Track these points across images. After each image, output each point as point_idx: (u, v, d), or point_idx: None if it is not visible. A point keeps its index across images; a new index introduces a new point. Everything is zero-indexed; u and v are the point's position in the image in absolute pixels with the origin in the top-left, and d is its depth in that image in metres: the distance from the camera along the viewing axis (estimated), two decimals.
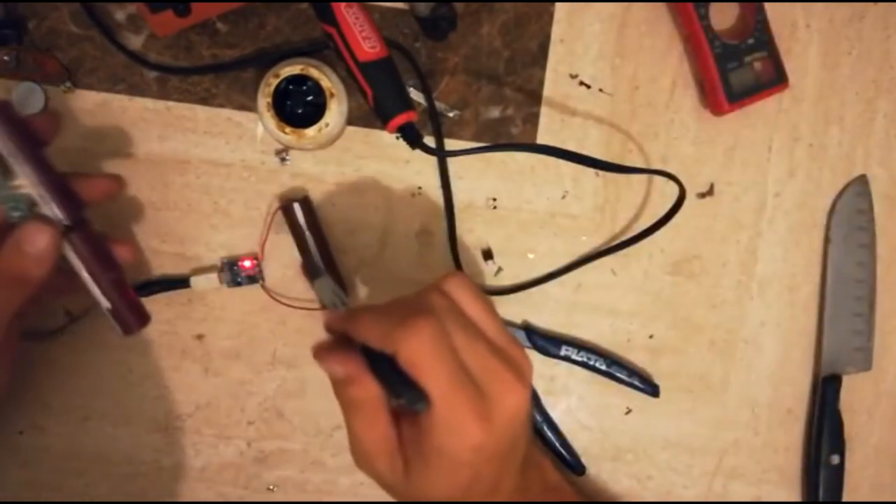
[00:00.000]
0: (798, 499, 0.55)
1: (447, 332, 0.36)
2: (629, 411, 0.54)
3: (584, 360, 0.52)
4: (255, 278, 0.50)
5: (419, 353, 0.35)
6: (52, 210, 0.41)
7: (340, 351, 0.39)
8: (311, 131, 0.47)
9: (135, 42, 0.50)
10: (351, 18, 0.43)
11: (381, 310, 0.38)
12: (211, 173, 0.51)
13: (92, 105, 0.50)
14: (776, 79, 0.51)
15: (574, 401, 0.54)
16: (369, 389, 0.38)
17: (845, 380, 0.54)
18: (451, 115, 0.51)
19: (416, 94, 0.51)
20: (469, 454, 0.36)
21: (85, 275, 0.42)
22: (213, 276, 0.50)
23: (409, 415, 0.38)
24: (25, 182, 0.40)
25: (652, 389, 0.53)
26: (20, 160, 0.40)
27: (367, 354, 0.38)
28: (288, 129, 0.46)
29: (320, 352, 0.39)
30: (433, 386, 0.35)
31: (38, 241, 0.41)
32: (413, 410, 0.37)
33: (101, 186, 0.45)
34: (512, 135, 0.52)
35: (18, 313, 0.42)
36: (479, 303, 0.39)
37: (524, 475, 0.42)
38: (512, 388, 0.37)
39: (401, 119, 0.44)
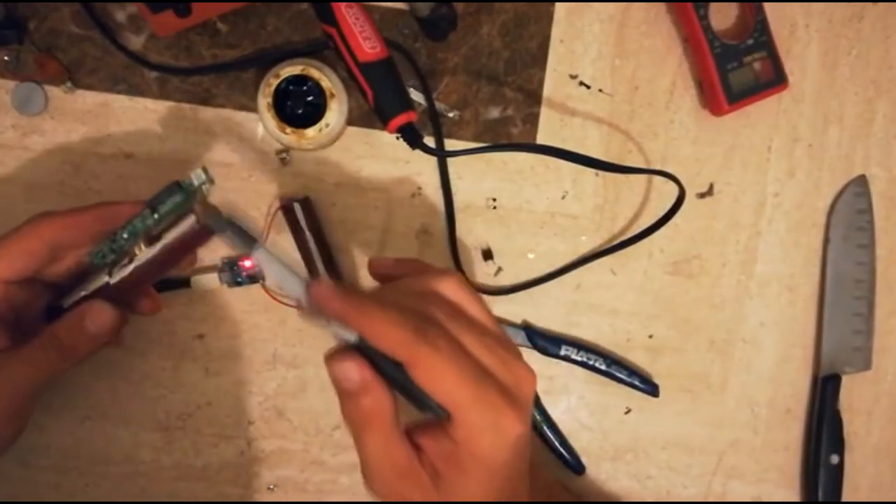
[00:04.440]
0: (797, 498, 0.55)
1: (452, 333, 0.35)
2: (629, 411, 0.54)
3: (584, 359, 0.52)
4: (255, 278, 0.51)
5: (440, 367, 0.34)
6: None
7: (354, 355, 0.36)
8: (311, 131, 0.47)
9: (135, 42, 0.50)
10: (351, 19, 0.43)
11: (394, 313, 0.35)
12: (211, 174, 0.51)
13: (92, 105, 0.50)
14: (775, 79, 0.51)
15: (574, 400, 0.54)
16: (385, 400, 0.35)
17: (845, 379, 0.54)
18: (451, 115, 0.51)
19: (416, 95, 0.51)
20: (510, 451, 0.35)
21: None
22: (214, 275, 0.50)
23: (427, 428, 0.36)
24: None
25: (651, 389, 0.53)
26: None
27: (368, 357, 0.36)
28: (288, 130, 0.47)
29: (335, 354, 0.37)
30: (461, 395, 0.34)
31: (101, 321, 0.43)
32: (438, 419, 0.35)
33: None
34: (512, 135, 0.52)
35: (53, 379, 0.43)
36: (478, 302, 0.39)
37: (530, 471, 0.41)
38: (525, 371, 0.37)
39: (401, 119, 0.44)
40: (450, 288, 0.38)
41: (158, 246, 0.41)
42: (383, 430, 0.36)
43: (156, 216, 0.42)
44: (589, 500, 0.54)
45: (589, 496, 0.54)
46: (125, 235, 0.42)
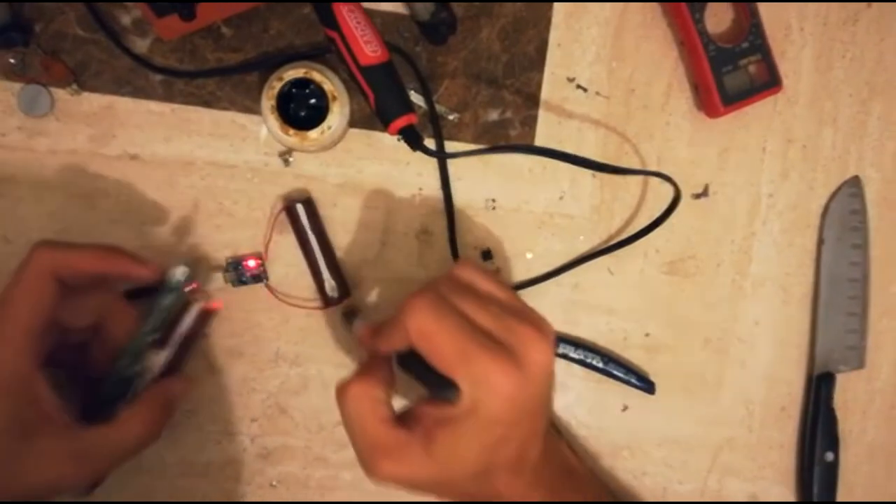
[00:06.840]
0: (793, 496, 0.56)
1: (452, 302, 0.38)
2: (625, 408, 0.54)
3: (582, 357, 0.53)
4: (259, 278, 0.51)
5: (424, 322, 0.37)
6: None
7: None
8: (313, 133, 0.47)
9: (140, 46, 0.50)
10: (353, 23, 0.44)
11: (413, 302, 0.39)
12: (215, 175, 0.51)
13: (98, 108, 0.51)
14: (770, 81, 0.52)
15: (571, 398, 0.54)
16: (377, 384, 0.40)
17: (839, 378, 0.54)
18: (450, 117, 0.52)
19: (416, 97, 0.51)
20: (501, 408, 0.35)
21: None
22: (219, 275, 0.51)
23: (433, 400, 0.39)
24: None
25: (648, 387, 0.53)
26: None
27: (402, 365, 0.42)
28: (291, 132, 0.47)
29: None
30: (448, 350, 0.36)
31: (179, 391, 0.47)
32: (444, 399, 0.37)
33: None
34: (510, 137, 0.53)
35: None
36: (490, 279, 0.41)
37: (546, 447, 0.41)
38: (535, 341, 0.37)
39: (402, 121, 0.45)
40: (461, 271, 0.41)
41: (167, 350, 0.47)
42: (369, 405, 0.39)
43: (155, 333, 0.47)
44: (588, 501, 0.54)
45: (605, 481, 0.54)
46: (127, 361, 0.46)
